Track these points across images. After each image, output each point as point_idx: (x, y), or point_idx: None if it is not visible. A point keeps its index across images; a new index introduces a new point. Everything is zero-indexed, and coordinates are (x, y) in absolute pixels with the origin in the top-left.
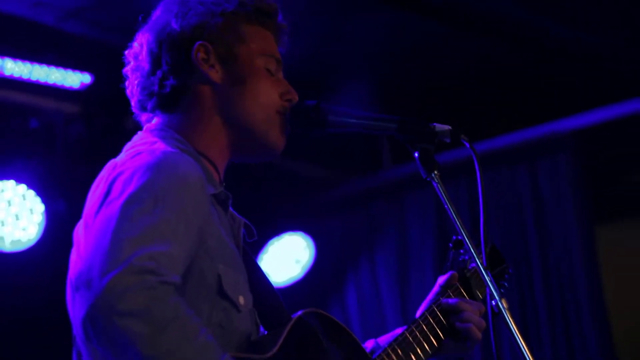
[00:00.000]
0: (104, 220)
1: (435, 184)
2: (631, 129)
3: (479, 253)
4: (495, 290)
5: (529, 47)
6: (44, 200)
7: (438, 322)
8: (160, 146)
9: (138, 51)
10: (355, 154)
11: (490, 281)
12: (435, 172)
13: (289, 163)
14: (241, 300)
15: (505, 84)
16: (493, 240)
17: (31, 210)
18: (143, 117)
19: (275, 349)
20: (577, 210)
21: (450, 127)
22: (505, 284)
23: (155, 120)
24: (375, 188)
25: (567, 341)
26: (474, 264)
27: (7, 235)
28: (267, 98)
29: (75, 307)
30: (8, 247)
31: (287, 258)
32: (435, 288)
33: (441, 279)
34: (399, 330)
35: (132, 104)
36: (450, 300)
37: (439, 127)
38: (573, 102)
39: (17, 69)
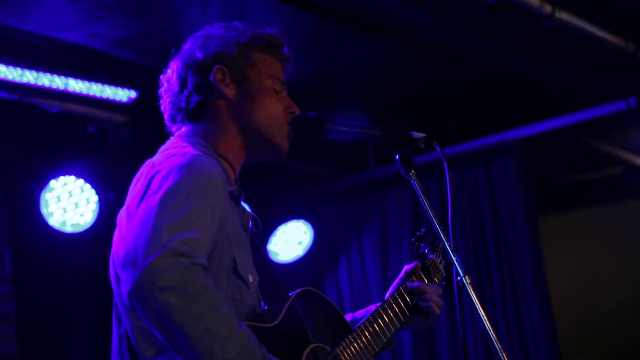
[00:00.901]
0: (145, 210)
1: (412, 182)
2: (567, 138)
3: (447, 238)
4: (461, 269)
5: (486, 73)
6: (97, 192)
7: (405, 301)
8: (190, 150)
9: (170, 76)
10: (347, 156)
11: (457, 261)
12: (413, 171)
13: (294, 163)
14: (250, 278)
15: (466, 101)
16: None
17: (87, 200)
18: (174, 128)
19: (277, 320)
20: (524, 203)
21: (424, 135)
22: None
23: (184, 129)
24: (362, 184)
25: (515, 309)
26: (432, 256)
27: (68, 219)
28: (273, 110)
29: (122, 281)
30: (69, 229)
31: (291, 240)
32: (402, 274)
33: (407, 267)
34: (372, 307)
35: (165, 117)
36: (415, 284)
37: (416, 134)
38: (520, 116)
39: (77, 86)
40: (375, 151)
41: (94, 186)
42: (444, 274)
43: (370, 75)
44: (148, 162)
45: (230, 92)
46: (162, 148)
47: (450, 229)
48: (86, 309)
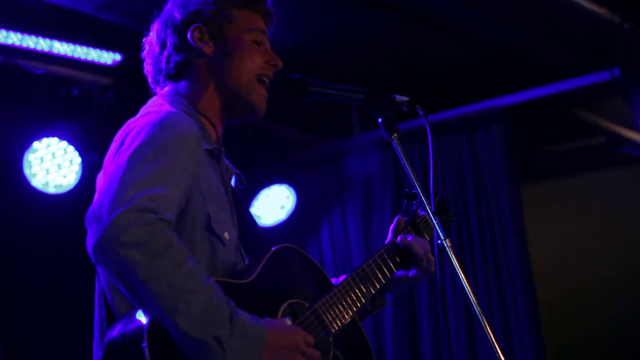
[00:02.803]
0: (115, 167)
1: (395, 145)
2: (551, 107)
3: (428, 202)
4: (441, 232)
5: (472, 42)
6: (81, 154)
7: (393, 255)
8: (167, 107)
9: (151, 38)
10: (331, 121)
11: (437, 224)
12: (395, 134)
13: (279, 128)
14: (226, 235)
15: (451, 70)
16: (440, 194)
17: (70, 161)
18: (157, 90)
19: (253, 276)
20: (506, 171)
21: (407, 98)
22: (450, 228)
23: (166, 89)
24: (346, 149)
25: (496, 273)
26: (422, 212)
27: (51, 181)
28: (251, 63)
29: (88, 237)
30: (52, 190)
31: (274, 204)
32: (391, 227)
33: (393, 225)
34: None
35: (149, 80)
36: (408, 237)
37: (399, 98)
38: (505, 84)
39: (62, 49)
40: (360, 117)
41: (77, 148)
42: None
43: (355, 44)
44: (127, 122)
45: (208, 49)
46: (143, 107)
47: (431, 191)
48: (68, 269)
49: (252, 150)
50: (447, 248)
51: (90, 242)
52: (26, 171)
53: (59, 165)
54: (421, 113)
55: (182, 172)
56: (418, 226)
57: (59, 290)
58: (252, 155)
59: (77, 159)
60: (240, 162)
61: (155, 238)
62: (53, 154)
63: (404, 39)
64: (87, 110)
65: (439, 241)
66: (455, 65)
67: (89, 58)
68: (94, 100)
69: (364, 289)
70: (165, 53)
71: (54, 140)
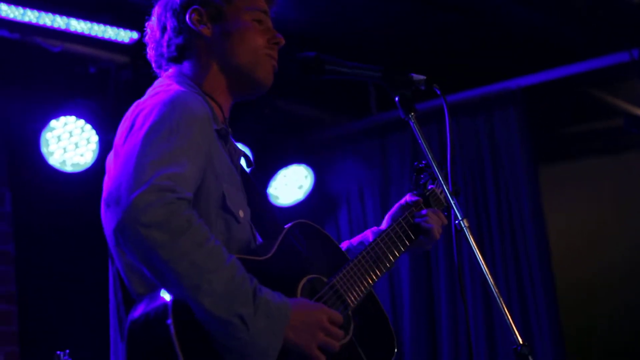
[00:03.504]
0: (129, 148)
1: (412, 123)
2: (569, 88)
3: (446, 182)
4: (459, 212)
5: (490, 22)
6: (98, 132)
7: (409, 228)
8: (175, 87)
9: (152, 23)
10: (349, 101)
11: (455, 204)
12: (412, 113)
13: (297, 108)
14: (241, 213)
15: (470, 50)
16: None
17: (87, 140)
18: (161, 74)
19: (271, 253)
20: (524, 152)
21: (425, 77)
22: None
23: (170, 71)
24: (364, 129)
25: (514, 255)
26: (432, 186)
27: (68, 159)
28: (253, 42)
29: (107, 220)
30: (69, 168)
31: (292, 184)
32: (402, 202)
33: (409, 197)
34: (368, 232)
35: (152, 65)
36: (422, 211)
37: (416, 76)
38: (524, 65)
39: (79, 26)
40: (377, 97)
41: (94, 126)
42: (445, 204)
43: (371, 23)
44: (135, 103)
45: (207, 31)
46: (150, 88)
47: (449, 171)
48: (85, 247)
49: (269, 130)
50: (464, 228)
51: (111, 224)
52: (43, 150)
53: (76, 144)
54: (439, 92)
55: (196, 150)
56: (428, 199)
57: (77, 268)
58: (270, 135)
59: (94, 138)
60: (258, 142)
61: (175, 217)
62: (70, 133)
63: (421, 19)
64: (104, 89)
65: (457, 221)
66: (473, 46)
67: (106, 36)
68: (111, 79)
69: (379, 264)
70: (166, 37)
71: (71, 118)
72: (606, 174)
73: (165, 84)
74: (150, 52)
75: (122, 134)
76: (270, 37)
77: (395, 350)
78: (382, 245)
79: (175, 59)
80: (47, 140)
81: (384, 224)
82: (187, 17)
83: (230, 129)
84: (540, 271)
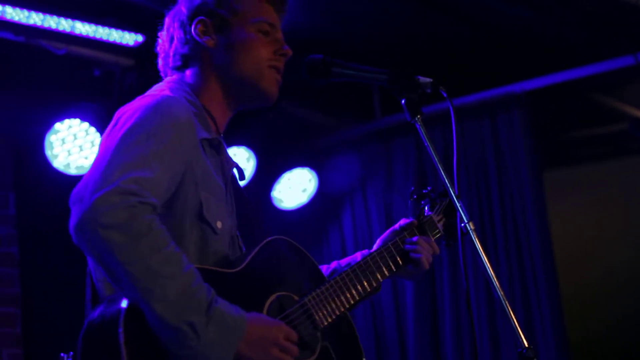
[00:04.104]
0: (104, 149)
1: (418, 127)
2: (571, 92)
3: (452, 184)
4: (465, 215)
5: (493, 26)
6: (102, 135)
7: (398, 253)
8: (165, 92)
9: (163, 33)
10: (353, 105)
11: (461, 207)
12: (419, 116)
13: (301, 112)
14: (219, 224)
15: (473, 54)
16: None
17: (92, 143)
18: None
19: (242, 266)
20: (528, 156)
21: (431, 80)
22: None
23: (172, 77)
24: (368, 134)
25: (518, 259)
26: (429, 213)
27: (72, 162)
28: (257, 54)
29: (70, 217)
30: (73, 171)
31: (296, 188)
32: (395, 227)
33: (402, 222)
34: (358, 255)
35: (161, 74)
36: (414, 238)
37: (422, 79)
38: (527, 69)
39: (84, 29)
40: (382, 101)
41: (98, 129)
42: (441, 232)
43: (375, 29)
44: (124, 105)
45: (211, 42)
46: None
47: (455, 174)
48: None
49: (274, 133)
50: (470, 231)
51: (71, 222)
52: (48, 152)
53: (80, 147)
54: (445, 95)
55: (173, 156)
56: (424, 225)
57: (81, 271)
58: (274, 139)
59: (99, 140)
60: (263, 145)
61: (135, 221)
62: (74, 135)
63: (424, 24)
64: (109, 92)
65: (462, 224)
66: (477, 50)
67: (111, 39)
68: (116, 82)
69: (359, 287)
70: (173, 47)
71: (76, 121)
72: (611, 179)
73: (158, 89)
74: (160, 62)
75: (104, 135)
76: (277, 48)
77: None
78: (365, 268)
79: (179, 68)
80: (51, 143)
81: (374, 248)
82: (192, 28)
83: (223, 140)
84: (544, 275)
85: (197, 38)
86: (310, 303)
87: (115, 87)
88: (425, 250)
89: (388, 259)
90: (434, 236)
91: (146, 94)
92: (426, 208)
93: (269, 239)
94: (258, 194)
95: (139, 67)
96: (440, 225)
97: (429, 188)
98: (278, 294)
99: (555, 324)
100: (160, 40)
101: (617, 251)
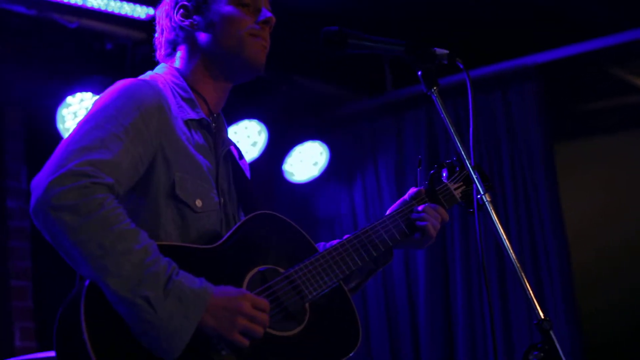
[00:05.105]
0: (68, 134)
1: (434, 98)
2: (583, 65)
3: (468, 155)
4: (481, 187)
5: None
6: None
7: (404, 220)
8: (143, 77)
9: (157, 27)
10: (364, 78)
11: (477, 178)
12: (435, 87)
13: (313, 85)
14: (198, 202)
15: (485, 27)
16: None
17: None
18: None
19: (219, 243)
20: (540, 129)
21: (448, 51)
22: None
23: (161, 64)
24: (379, 106)
25: (529, 233)
26: (446, 181)
27: None
28: (237, 27)
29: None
30: None
31: (307, 161)
32: (405, 197)
33: (411, 191)
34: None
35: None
36: (419, 207)
37: (439, 51)
38: (539, 42)
39: (95, 2)
40: (393, 74)
41: None
42: (459, 201)
43: (384, 3)
44: None
45: (192, 24)
46: None
47: (471, 145)
48: None
49: (285, 106)
50: (486, 203)
51: (30, 206)
52: (60, 126)
53: None
54: (462, 66)
55: (135, 138)
56: (436, 194)
57: None
58: (285, 112)
59: None
60: (274, 119)
61: (86, 201)
62: (86, 109)
63: None
64: (121, 65)
65: (479, 196)
66: (489, 22)
67: (122, 12)
68: (128, 55)
69: (354, 256)
70: (163, 38)
71: (88, 95)
72: (623, 151)
73: (143, 75)
74: (156, 55)
75: None
76: (259, 18)
77: (356, 347)
78: (363, 239)
79: (169, 55)
80: (63, 117)
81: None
82: (175, 14)
83: (224, 119)
84: (556, 249)
85: (180, 23)
86: (297, 274)
87: (127, 60)
88: (433, 218)
89: (392, 228)
90: (449, 204)
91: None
92: (444, 175)
93: (253, 214)
94: (269, 167)
95: (151, 40)
96: (457, 193)
97: (454, 158)
98: (260, 267)
99: (566, 297)
100: (155, 35)
101: (629, 224)
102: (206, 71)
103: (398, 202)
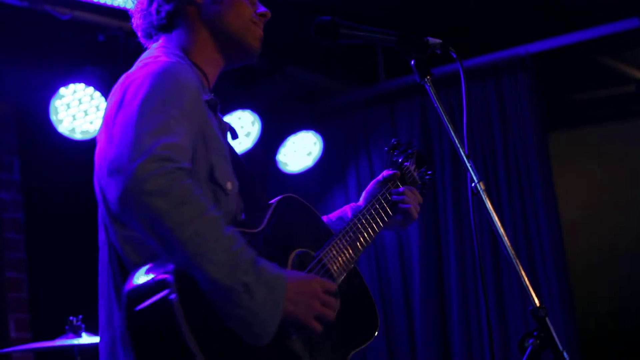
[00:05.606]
0: (124, 118)
1: (428, 87)
2: (576, 54)
3: (462, 144)
4: (475, 175)
5: None
6: (107, 100)
7: (387, 204)
8: (163, 58)
9: None
10: (357, 68)
11: (471, 167)
12: (428, 77)
13: (306, 75)
14: (229, 185)
15: (479, 16)
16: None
17: (97, 107)
18: (150, 44)
19: (262, 226)
20: (533, 119)
21: (441, 41)
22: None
23: (160, 41)
24: (372, 97)
25: (523, 222)
26: (406, 163)
27: (78, 127)
28: (242, 9)
29: (109, 189)
30: (78, 136)
31: (301, 151)
32: (378, 178)
33: (385, 173)
34: (347, 208)
35: (139, 35)
36: (399, 188)
37: (432, 40)
38: (533, 31)
39: None
40: (386, 64)
41: (103, 94)
42: (418, 182)
43: None
44: (123, 75)
45: None
46: (138, 60)
47: (465, 134)
48: (94, 214)
49: (279, 96)
50: (480, 191)
51: (115, 193)
52: (52, 117)
53: (85, 112)
54: (455, 56)
55: (189, 120)
56: (404, 177)
57: (87, 235)
58: (279, 102)
59: (104, 105)
60: (268, 109)
61: (176, 186)
62: (79, 100)
63: None
64: (113, 56)
65: (473, 184)
66: (481, 11)
67: (115, 3)
68: (120, 46)
69: (361, 239)
70: (155, 4)
71: (81, 86)
72: (616, 141)
73: (153, 56)
74: (138, 22)
75: (113, 106)
76: (256, 9)
77: (377, 329)
78: (364, 221)
79: (165, 27)
80: (56, 108)
81: (361, 201)
82: None
83: (218, 100)
84: (550, 238)
85: None
86: (326, 257)
87: (119, 52)
88: (413, 199)
89: (380, 210)
90: (414, 185)
91: (143, 62)
92: (400, 159)
93: (281, 196)
94: (263, 157)
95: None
96: (416, 174)
97: (394, 140)
98: (297, 250)
99: (561, 288)
100: (135, 0)
101: (623, 214)
102: (210, 47)
103: (371, 183)
